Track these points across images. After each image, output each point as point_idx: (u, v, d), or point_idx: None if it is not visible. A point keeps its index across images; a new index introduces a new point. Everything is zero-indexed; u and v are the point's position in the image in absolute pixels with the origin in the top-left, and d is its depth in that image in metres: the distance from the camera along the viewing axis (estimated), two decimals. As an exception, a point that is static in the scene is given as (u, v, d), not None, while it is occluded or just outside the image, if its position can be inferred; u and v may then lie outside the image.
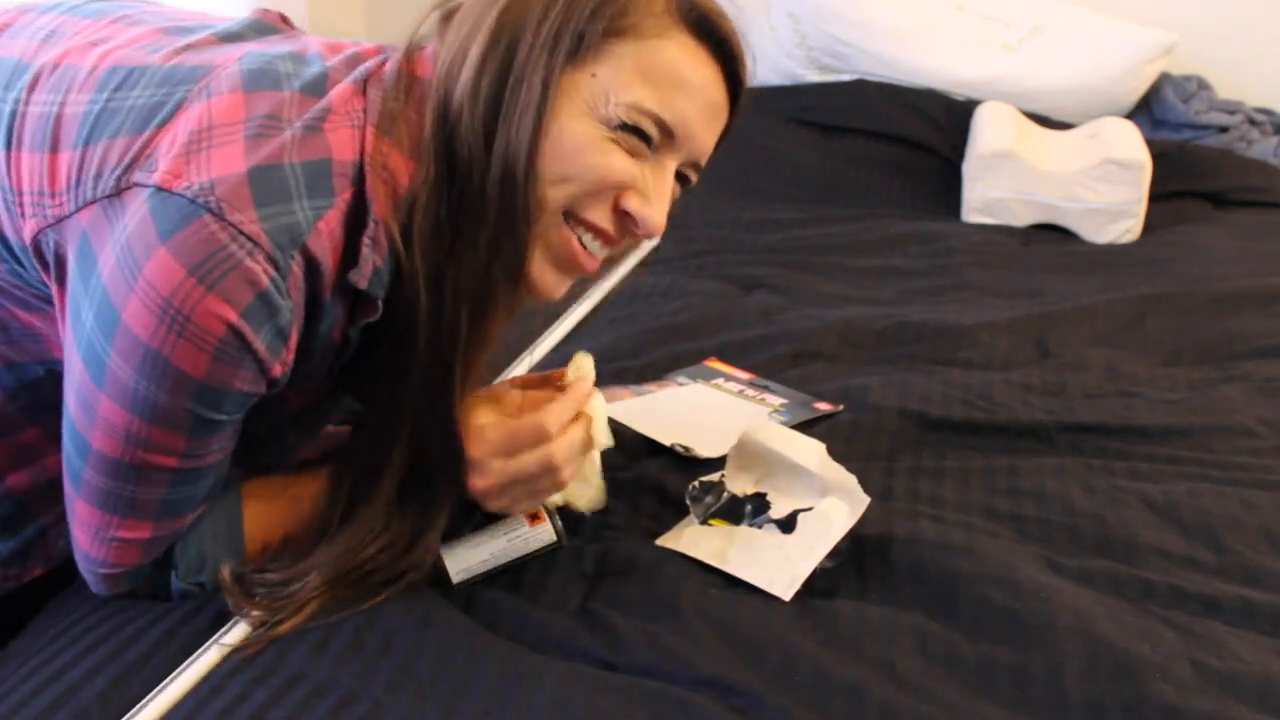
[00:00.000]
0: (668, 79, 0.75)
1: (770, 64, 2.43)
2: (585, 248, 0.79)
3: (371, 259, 0.72)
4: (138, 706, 0.70)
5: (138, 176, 0.67)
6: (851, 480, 0.89)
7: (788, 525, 0.87)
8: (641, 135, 0.76)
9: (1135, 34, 2.23)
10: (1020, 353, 1.31)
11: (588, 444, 0.84)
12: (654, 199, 0.78)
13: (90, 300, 0.68)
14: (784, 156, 2.10)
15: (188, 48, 0.76)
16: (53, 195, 0.70)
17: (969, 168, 1.94)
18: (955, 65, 2.25)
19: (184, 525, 0.77)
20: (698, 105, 0.77)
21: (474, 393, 0.84)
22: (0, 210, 0.73)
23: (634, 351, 1.26)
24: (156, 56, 0.74)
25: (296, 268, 0.68)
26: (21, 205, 0.71)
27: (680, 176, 0.82)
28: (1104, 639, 0.75)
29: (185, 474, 0.74)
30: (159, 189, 0.66)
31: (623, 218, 0.79)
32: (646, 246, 1.64)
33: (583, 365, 0.88)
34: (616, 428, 1.07)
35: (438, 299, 0.75)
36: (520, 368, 1.21)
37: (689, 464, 1.00)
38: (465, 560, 0.82)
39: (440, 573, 0.82)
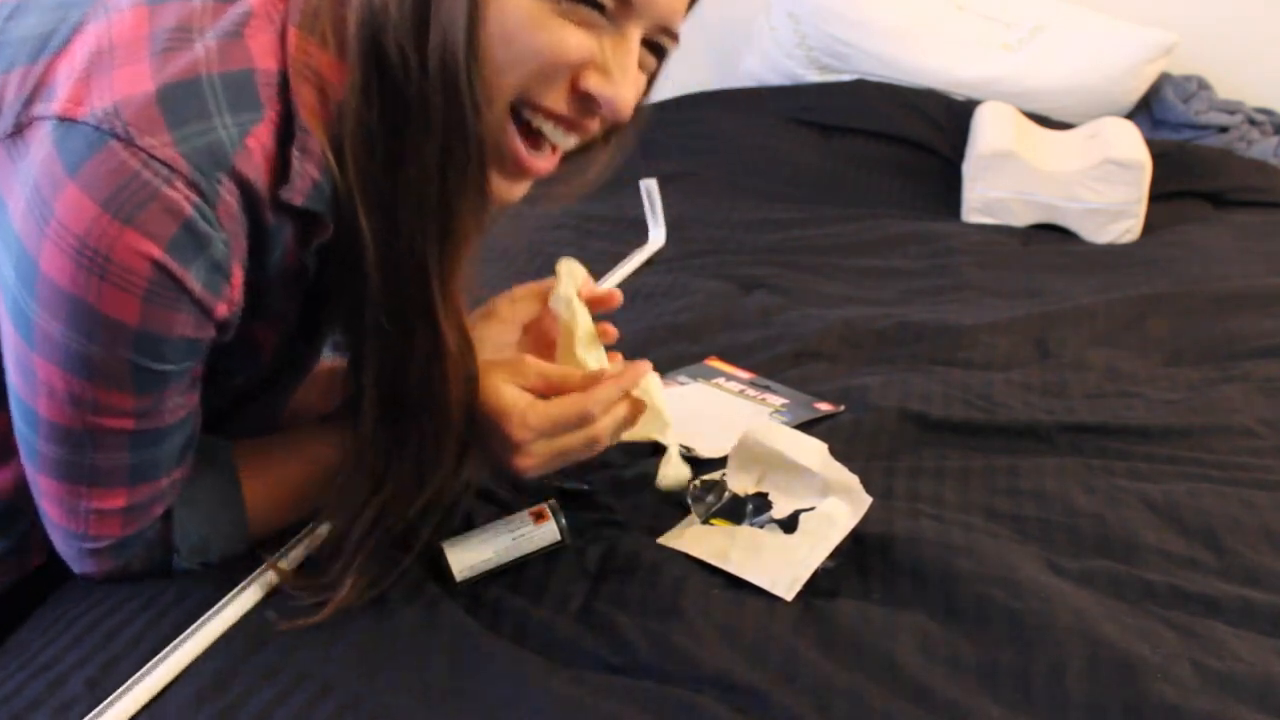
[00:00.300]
0: None
1: (770, 64, 2.44)
2: (546, 139, 0.71)
3: (306, 172, 0.65)
4: (123, 687, 0.70)
5: (37, 109, 0.61)
6: (853, 480, 0.89)
7: (789, 525, 0.87)
8: (593, 1, 0.66)
9: (1135, 34, 2.24)
10: (1020, 353, 1.31)
11: (631, 420, 0.81)
12: (616, 74, 0.68)
13: (8, 252, 0.62)
14: (784, 156, 2.11)
15: None
16: None
17: (969, 168, 1.94)
18: (955, 65, 2.25)
19: (163, 488, 0.72)
20: None
21: (490, 362, 0.79)
22: None
23: (635, 351, 1.26)
24: None
25: (226, 193, 0.61)
26: None
27: (653, 46, 0.72)
28: (1104, 639, 0.75)
29: (145, 435, 0.68)
30: (61, 119, 0.60)
31: (584, 99, 0.69)
32: (651, 248, 1.64)
33: (573, 271, 0.85)
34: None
35: (384, 221, 0.67)
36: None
37: (691, 463, 1.00)
38: (469, 559, 0.82)
39: (443, 570, 0.82)
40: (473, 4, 0.64)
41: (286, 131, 0.65)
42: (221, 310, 0.65)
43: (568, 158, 0.78)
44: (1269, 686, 0.72)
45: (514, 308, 0.88)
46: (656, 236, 1.67)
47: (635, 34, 0.69)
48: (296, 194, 0.65)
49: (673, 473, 0.86)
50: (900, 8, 2.30)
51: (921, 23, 2.29)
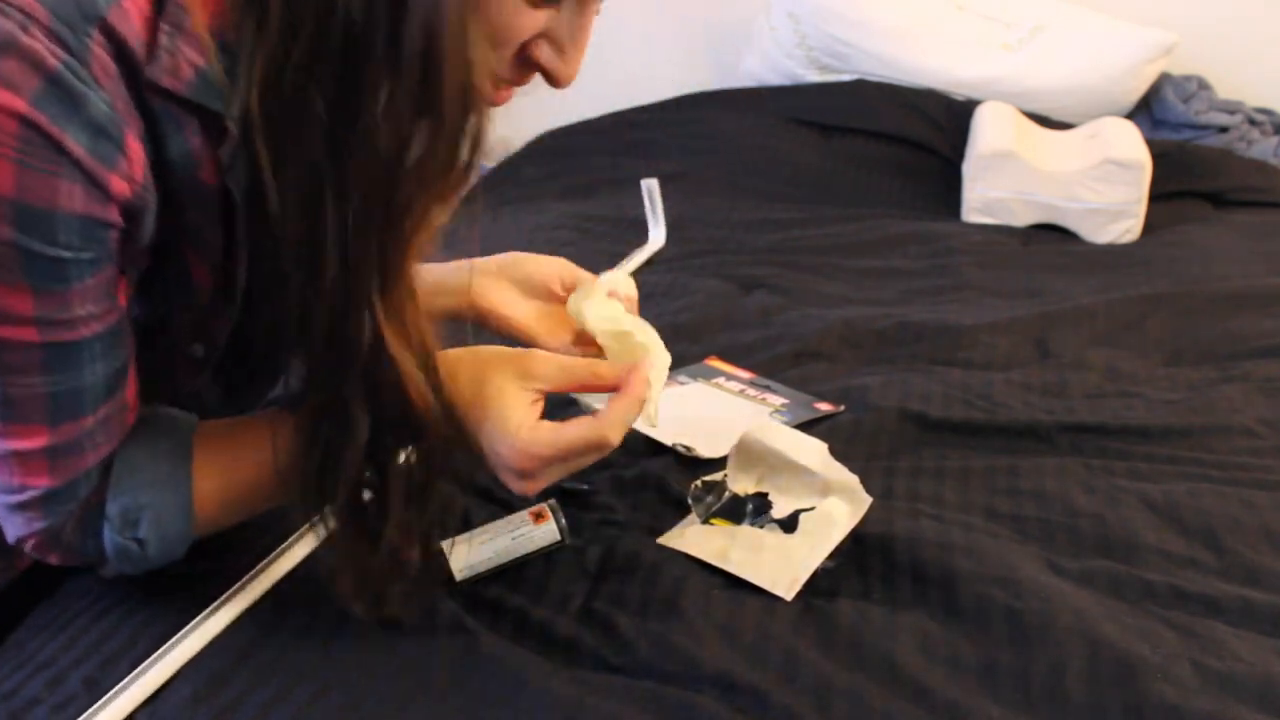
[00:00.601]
0: None
1: (770, 64, 2.44)
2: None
3: (181, 53, 0.58)
4: (119, 685, 0.70)
5: None
6: (853, 480, 0.89)
7: (789, 525, 0.87)
8: None
9: (1135, 34, 2.24)
10: (1020, 353, 1.31)
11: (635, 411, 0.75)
12: (570, 50, 0.66)
13: None
14: (784, 156, 2.11)
15: None
16: None
17: (969, 168, 1.94)
18: (955, 65, 2.25)
19: (89, 427, 0.65)
20: None
21: (498, 357, 0.74)
22: None
23: (635, 351, 1.26)
24: None
25: (98, 48, 0.55)
26: None
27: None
28: (1104, 639, 0.75)
29: (56, 351, 0.61)
30: None
31: (528, 64, 0.66)
32: (651, 248, 1.64)
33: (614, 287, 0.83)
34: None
35: (279, 156, 0.58)
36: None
37: (691, 463, 1.00)
38: (468, 558, 0.82)
39: (443, 570, 0.82)
40: None
41: (164, 7, 0.58)
42: (120, 186, 0.58)
43: None
44: (1269, 686, 0.72)
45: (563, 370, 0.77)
46: (657, 236, 1.67)
47: (590, 11, 0.67)
48: (168, 76, 0.58)
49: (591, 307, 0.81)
50: (900, 8, 2.30)
51: (921, 23, 2.29)
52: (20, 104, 0.53)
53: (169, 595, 0.78)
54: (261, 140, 0.58)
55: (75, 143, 0.55)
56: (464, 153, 0.61)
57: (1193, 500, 0.95)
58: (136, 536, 0.70)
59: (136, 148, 0.58)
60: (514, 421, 0.71)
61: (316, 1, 0.55)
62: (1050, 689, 0.72)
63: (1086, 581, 0.84)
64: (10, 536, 0.71)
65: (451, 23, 0.56)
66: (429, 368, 0.67)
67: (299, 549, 0.82)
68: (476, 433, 0.73)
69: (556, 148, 2.27)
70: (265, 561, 0.80)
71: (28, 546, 0.71)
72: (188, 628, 0.74)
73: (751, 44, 2.50)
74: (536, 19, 0.64)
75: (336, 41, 0.55)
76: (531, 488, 0.74)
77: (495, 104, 0.67)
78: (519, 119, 2.77)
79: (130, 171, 0.58)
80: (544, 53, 0.66)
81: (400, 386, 0.65)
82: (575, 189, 2.02)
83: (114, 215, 0.59)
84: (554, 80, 0.67)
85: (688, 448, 1.02)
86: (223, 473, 0.73)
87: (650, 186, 1.67)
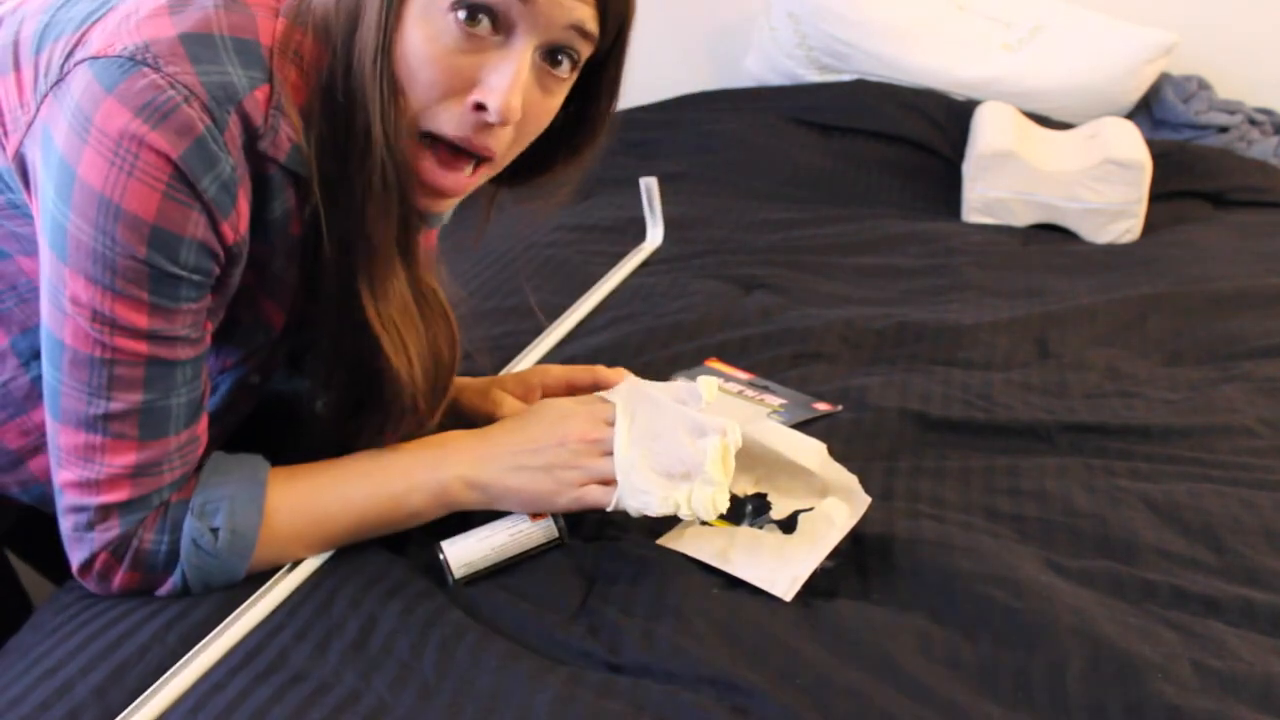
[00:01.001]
0: None
1: (770, 64, 2.44)
2: (447, 161, 0.76)
3: (283, 130, 0.73)
4: (135, 703, 0.69)
5: (77, 56, 0.71)
6: (852, 480, 0.89)
7: (788, 525, 0.87)
8: (476, 14, 0.71)
9: (1135, 34, 2.24)
10: (1020, 353, 1.31)
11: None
12: (496, 83, 0.72)
13: (50, 176, 0.70)
14: (784, 156, 2.10)
15: None
16: (21, 106, 0.74)
17: (969, 168, 1.94)
18: (955, 65, 2.25)
19: (171, 449, 0.75)
20: None
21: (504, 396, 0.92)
22: None
23: (635, 351, 1.26)
24: None
25: (233, 125, 0.70)
26: (4, 126, 0.75)
27: (565, 53, 0.75)
28: (1105, 639, 0.75)
29: (157, 367, 0.73)
30: (97, 58, 0.69)
31: (478, 110, 0.74)
32: (648, 248, 1.64)
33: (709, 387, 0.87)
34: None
35: (329, 191, 0.75)
36: (524, 362, 1.21)
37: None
38: (467, 556, 0.82)
39: (441, 569, 0.82)
40: (382, 36, 0.72)
41: (274, 96, 0.73)
42: (228, 231, 0.72)
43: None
44: (1269, 686, 0.72)
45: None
46: (654, 236, 1.67)
47: (523, 46, 0.73)
48: (276, 149, 0.73)
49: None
50: (900, 8, 2.30)
51: (921, 23, 2.29)
52: (175, 153, 0.68)
53: (178, 609, 0.77)
54: (320, 195, 0.75)
55: (205, 189, 0.70)
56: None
57: (1193, 500, 0.95)
58: (212, 526, 0.77)
59: (244, 206, 0.73)
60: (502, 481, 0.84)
61: (347, 101, 0.74)
62: (1050, 689, 0.72)
63: (1087, 581, 0.84)
64: (76, 561, 0.77)
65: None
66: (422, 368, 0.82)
67: (309, 564, 0.83)
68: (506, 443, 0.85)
69: (556, 148, 2.26)
70: (271, 581, 0.80)
71: (96, 565, 0.77)
72: (197, 647, 0.74)
73: (751, 44, 2.50)
74: (466, 63, 0.73)
75: (359, 139, 0.74)
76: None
77: (453, 191, 0.78)
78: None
79: (237, 224, 0.73)
80: (478, 92, 0.73)
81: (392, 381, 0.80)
82: (575, 188, 2.02)
83: (221, 251, 0.73)
84: (490, 114, 0.74)
85: None
86: (299, 484, 0.81)
87: (649, 185, 1.67)
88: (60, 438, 0.74)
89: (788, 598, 0.80)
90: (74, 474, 0.75)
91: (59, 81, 0.71)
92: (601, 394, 0.89)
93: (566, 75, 0.77)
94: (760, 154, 2.11)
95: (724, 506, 0.82)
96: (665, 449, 0.83)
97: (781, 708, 0.69)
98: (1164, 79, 2.29)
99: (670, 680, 0.72)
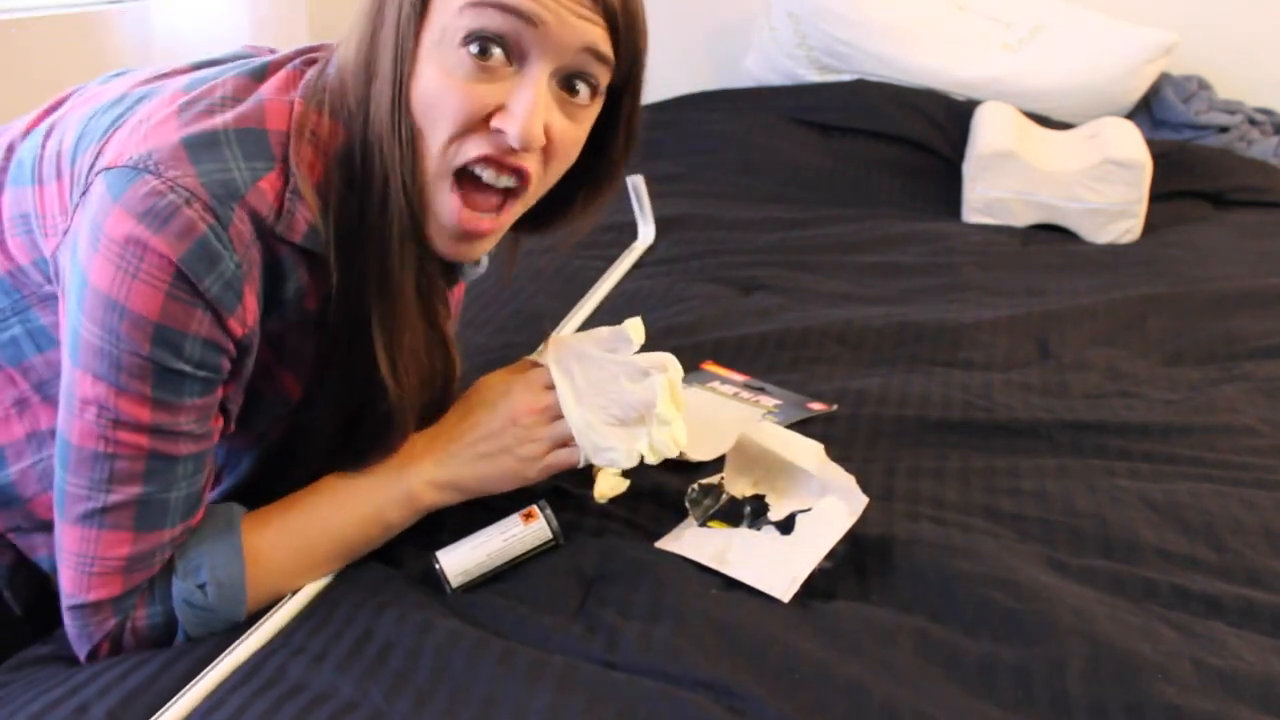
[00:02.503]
0: None
1: (770, 64, 2.44)
2: (488, 188, 0.77)
3: (300, 213, 0.75)
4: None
5: (97, 166, 0.74)
6: (849, 480, 0.89)
7: (786, 527, 0.87)
8: (487, 46, 0.72)
9: (1135, 34, 2.23)
10: (1020, 353, 1.31)
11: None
12: (512, 108, 0.73)
13: (72, 287, 0.73)
14: (784, 156, 2.10)
15: (159, 76, 0.83)
16: (61, 213, 0.77)
17: (969, 168, 1.94)
18: (955, 65, 2.25)
19: (165, 542, 0.77)
20: None
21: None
22: (37, 236, 0.79)
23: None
24: (127, 86, 0.82)
25: (239, 221, 0.72)
26: (46, 228, 0.79)
27: (583, 78, 0.76)
28: (1105, 639, 0.75)
29: (157, 461, 0.74)
30: (109, 169, 0.72)
31: (498, 136, 0.75)
32: (640, 246, 1.64)
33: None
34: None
35: (346, 262, 0.77)
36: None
37: (686, 466, 1.00)
38: (462, 564, 0.82)
39: (437, 580, 0.82)
40: (396, 83, 0.74)
41: (290, 180, 0.75)
42: (236, 328, 0.73)
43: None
44: (1270, 686, 0.72)
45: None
46: (646, 233, 1.67)
47: (538, 71, 0.74)
48: (293, 232, 0.75)
49: (608, 483, 0.88)
50: (900, 8, 2.30)
51: (921, 23, 2.29)
52: (175, 256, 0.70)
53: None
54: (337, 255, 0.77)
55: (209, 290, 0.71)
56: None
57: (1194, 500, 0.95)
58: (199, 584, 0.78)
59: (251, 302, 0.74)
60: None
61: (364, 154, 0.76)
62: (1051, 689, 0.72)
63: (1088, 580, 0.84)
64: (82, 655, 0.78)
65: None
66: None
67: (312, 586, 0.83)
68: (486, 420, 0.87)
69: (556, 148, 2.26)
70: (276, 605, 0.81)
71: (101, 654, 0.78)
72: (202, 673, 0.74)
73: (751, 44, 2.50)
74: (484, 93, 0.74)
75: (377, 189, 0.76)
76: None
77: (482, 233, 0.79)
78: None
79: (244, 318, 0.74)
80: (498, 119, 0.75)
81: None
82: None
83: (230, 345, 0.74)
84: (509, 138, 0.75)
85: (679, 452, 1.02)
86: (273, 522, 0.82)
87: (635, 183, 1.67)
88: (64, 539, 0.76)
89: (786, 599, 0.80)
90: (71, 572, 0.76)
91: (84, 193, 0.74)
92: (531, 358, 0.91)
93: (588, 102, 0.78)
94: (760, 154, 2.11)
95: (684, 440, 0.84)
96: (612, 399, 0.84)
97: (779, 708, 0.69)
98: (1164, 79, 2.29)
99: (668, 681, 0.71)
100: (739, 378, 1.21)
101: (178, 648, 0.78)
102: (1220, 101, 2.29)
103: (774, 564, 0.83)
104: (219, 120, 0.74)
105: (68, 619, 0.78)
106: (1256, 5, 2.39)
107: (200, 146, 0.72)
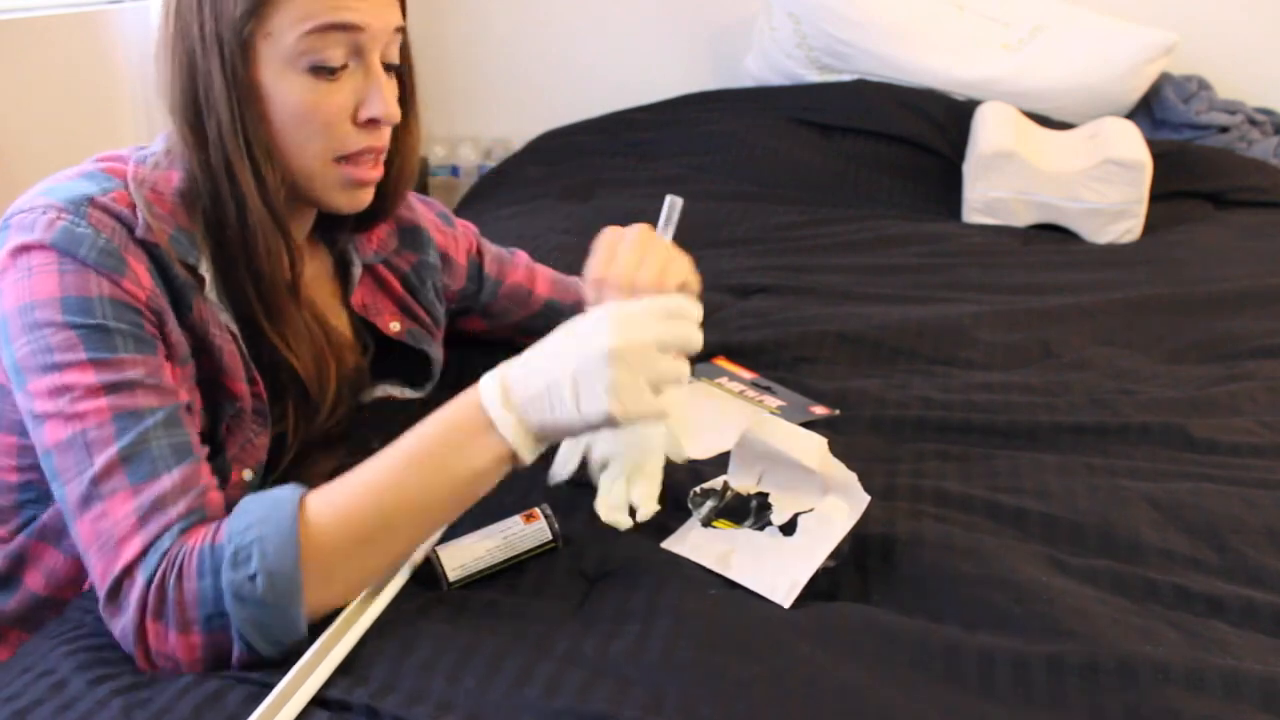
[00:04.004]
0: None
1: (770, 64, 2.43)
2: (362, 163, 0.88)
3: (155, 224, 0.83)
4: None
5: None
6: (852, 478, 0.88)
7: (789, 528, 0.87)
8: (333, 67, 0.84)
9: (1135, 34, 2.24)
10: (1021, 352, 1.31)
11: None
12: (373, 98, 0.86)
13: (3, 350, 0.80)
14: (784, 156, 2.10)
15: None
16: None
17: (969, 168, 1.94)
18: (955, 65, 2.25)
19: (167, 489, 0.75)
20: None
21: None
22: None
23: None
24: None
25: (94, 216, 0.80)
26: None
27: (398, 53, 0.89)
28: (1106, 639, 0.75)
29: (123, 418, 0.76)
30: None
31: (368, 124, 0.87)
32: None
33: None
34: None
35: (224, 272, 0.87)
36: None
37: (689, 464, 0.99)
38: (461, 559, 0.82)
39: (436, 576, 0.82)
40: (238, 122, 0.83)
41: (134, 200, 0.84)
42: (134, 289, 0.80)
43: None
44: (1271, 686, 0.72)
45: None
46: None
47: (372, 63, 0.86)
48: (154, 235, 0.82)
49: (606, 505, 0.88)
50: (900, 8, 2.30)
51: (921, 23, 2.29)
52: (48, 241, 0.79)
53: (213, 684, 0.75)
54: (215, 264, 0.88)
55: (87, 256, 0.79)
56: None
57: (1195, 499, 0.95)
58: (249, 575, 0.72)
59: (140, 267, 0.81)
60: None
61: (211, 180, 0.85)
62: (1051, 689, 0.72)
63: (1089, 581, 0.84)
64: (134, 646, 0.74)
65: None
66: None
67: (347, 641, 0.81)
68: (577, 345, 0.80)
69: (556, 148, 2.27)
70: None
71: (149, 640, 0.74)
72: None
73: (751, 44, 2.50)
74: (340, 96, 0.86)
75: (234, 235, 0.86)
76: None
77: (374, 179, 0.91)
78: (519, 119, 2.80)
79: (139, 280, 0.80)
80: (362, 112, 0.87)
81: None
82: (575, 189, 2.02)
83: (138, 305, 0.80)
84: (383, 122, 0.88)
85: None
86: (335, 493, 0.77)
87: (673, 203, 1.64)
88: (82, 540, 0.76)
89: (787, 604, 0.80)
90: (97, 563, 0.75)
91: None
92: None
93: (403, 51, 0.92)
94: (760, 154, 2.11)
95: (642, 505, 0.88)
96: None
97: (778, 709, 0.69)
98: (1164, 79, 2.29)
99: (668, 681, 0.71)
100: (747, 375, 1.21)
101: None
102: (1220, 101, 2.29)
103: (776, 568, 0.83)
104: (70, 174, 0.84)
105: (113, 619, 0.75)
106: (1256, 5, 2.39)
107: (52, 183, 0.83)
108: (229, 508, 0.77)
